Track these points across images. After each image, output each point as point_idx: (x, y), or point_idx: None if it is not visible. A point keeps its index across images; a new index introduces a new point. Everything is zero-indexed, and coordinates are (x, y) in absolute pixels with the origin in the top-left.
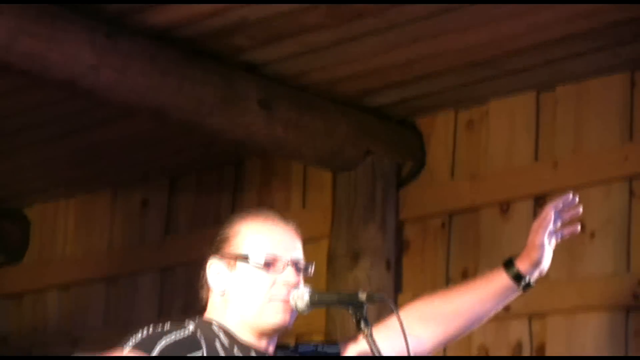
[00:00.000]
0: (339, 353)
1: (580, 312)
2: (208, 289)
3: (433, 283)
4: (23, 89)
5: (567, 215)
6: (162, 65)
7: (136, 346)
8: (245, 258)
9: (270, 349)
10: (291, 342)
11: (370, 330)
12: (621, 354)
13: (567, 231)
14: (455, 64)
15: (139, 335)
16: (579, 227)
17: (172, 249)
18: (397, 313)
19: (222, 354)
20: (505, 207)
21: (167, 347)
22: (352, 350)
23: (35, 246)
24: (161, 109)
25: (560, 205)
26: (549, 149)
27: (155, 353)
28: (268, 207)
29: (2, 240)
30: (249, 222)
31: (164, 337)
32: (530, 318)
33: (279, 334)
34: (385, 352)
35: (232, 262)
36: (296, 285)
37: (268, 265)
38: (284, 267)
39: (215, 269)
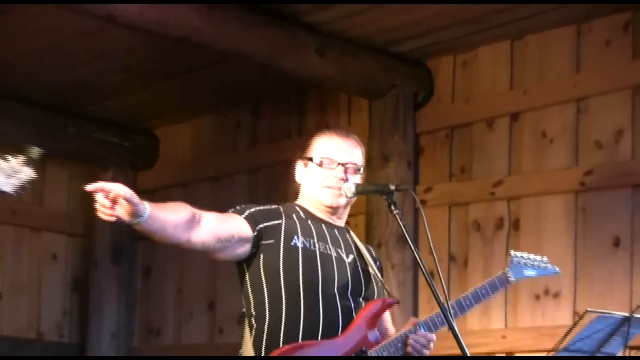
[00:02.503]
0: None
1: (544, 195)
2: (296, 182)
3: (441, 177)
4: (149, 45)
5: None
6: (250, 26)
7: (234, 211)
8: (310, 159)
9: (339, 223)
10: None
11: (398, 209)
12: (573, 226)
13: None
14: (454, 21)
15: (238, 206)
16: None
17: (257, 156)
18: (417, 198)
19: (297, 223)
20: (490, 122)
21: (254, 212)
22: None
23: (163, 156)
24: (249, 54)
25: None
26: (521, 81)
27: (244, 215)
28: (323, 125)
29: (140, 152)
30: (321, 135)
31: (254, 207)
32: (509, 200)
33: (339, 211)
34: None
35: (305, 162)
36: (345, 180)
37: (322, 164)
38: (336, 167)
39: (298, 168)
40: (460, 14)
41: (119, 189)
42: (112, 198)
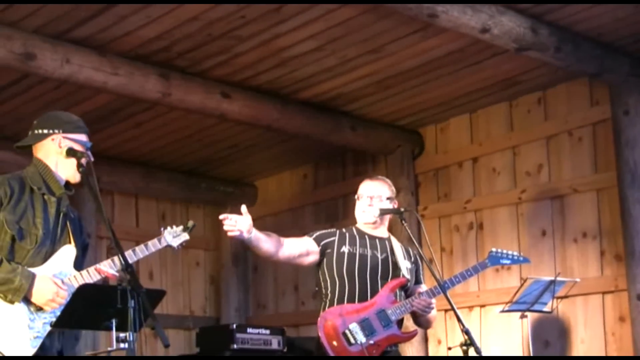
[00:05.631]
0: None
1: (496, 207)
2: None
3: (432, 200)
4: (247, 131)
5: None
6: (309, 117)
7: (307, 235)
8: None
9: (380, 235)
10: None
11: (406, 222)
12: (515, 225)
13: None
14: (434, 104)
15: (310, 232)
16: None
17: (318, 195)
18: (418, 215)
19: (347, 237)
20: (460, 164)
21: (318, 234)
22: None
23: (260, 198)
24: (309, 133)
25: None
26: (477, 138)
27: (312, 237)
28: (357, 173)
29: (246, 196)
30: (362, 181)
31: (319, 232)
32: (475, 212)
33: (376, 226)
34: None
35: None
36: (371, 205)
37: (359, 198)
38: (366, 198)
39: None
40: (437, 99)
41: (239, 218)
42: (235, 222)
